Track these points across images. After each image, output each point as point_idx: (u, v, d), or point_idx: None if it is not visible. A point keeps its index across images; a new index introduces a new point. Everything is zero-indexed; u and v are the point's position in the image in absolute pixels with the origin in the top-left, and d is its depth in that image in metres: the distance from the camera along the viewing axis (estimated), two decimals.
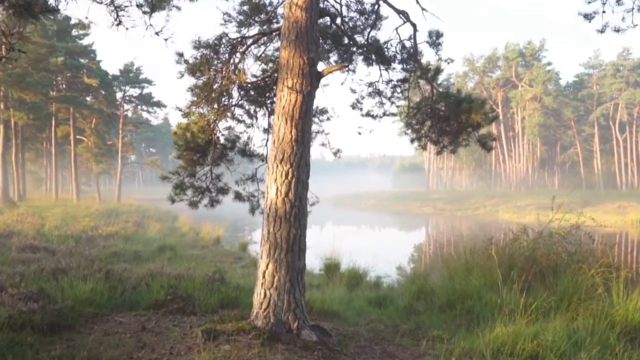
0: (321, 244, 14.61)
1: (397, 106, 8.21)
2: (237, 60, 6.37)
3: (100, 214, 27.15)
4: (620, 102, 67.78)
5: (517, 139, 77.34)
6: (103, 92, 40.30)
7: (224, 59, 6.29)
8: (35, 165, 67.52)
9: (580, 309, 6.78)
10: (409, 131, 8.14)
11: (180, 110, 6.55)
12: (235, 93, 7.14)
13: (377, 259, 16.49)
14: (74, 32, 38.55)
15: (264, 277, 5.32)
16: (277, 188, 5.31)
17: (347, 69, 8.70)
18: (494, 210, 51.95)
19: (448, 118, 7.27)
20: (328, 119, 8.12)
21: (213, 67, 6.12)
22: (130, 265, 11.56)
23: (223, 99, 6.92)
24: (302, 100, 5.39)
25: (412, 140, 8.33)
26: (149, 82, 46.83)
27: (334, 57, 8.79)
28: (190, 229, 24.72)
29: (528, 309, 6.60)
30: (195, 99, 6.43)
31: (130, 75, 44.91)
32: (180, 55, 6.22)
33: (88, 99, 42.10)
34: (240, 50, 6.47)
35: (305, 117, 5.41)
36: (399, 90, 8.01)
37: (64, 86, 40.98)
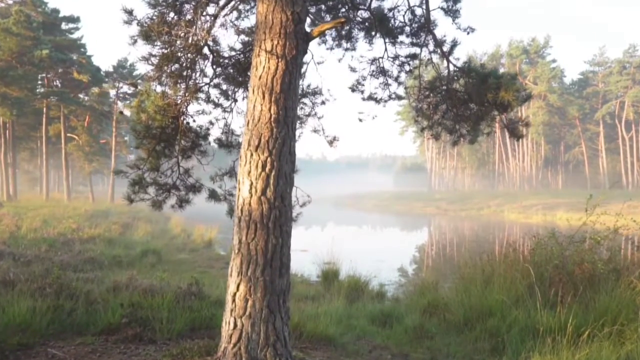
0: (320, 246, 13.32)
1: (405, 88, 6.89)
2: (207, 25, 5.08)
3: (88, 215, 25.87)
4: (626, 100, 66.48)
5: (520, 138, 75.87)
6: (95, 89, 38.89)
7: (187, 21, 4.98)
8: (30, 164, 66.49)
9: (629, 332, 5.51)
10: (419, 118, 6.84)
11: (135, 86, 5.27)
12: (209, 70, 5.86)
13: (380, 264, 15.24)
14: (64, 26, 37.14)
15: (234, 301, 4.03)
16: (252, 184, 4.01)
17: (346, 46, 7.42)
18: (498, 211, 50.66)
19: (467, 100, 5.98)
20: (323, 102, 6.81)
21: (174, 31, 4.82)
22: (104, 273, 10.31)
23: (194, 75, 5.62)
24: (284, 68, 4.09)
25: (422, 129, 7.03)
26: (144, 78, 45.26)
27: (331, 34, 7.51)
28: (182, 231, 23.43)
29: (567, 331, 5.29)
30: (152, 71, 5.14)
31: (124, 72, 43.46)
32: (129, 12, 4.89)
33: (81, 95, 40.74)
34: (212, 13, 5.18)
35: (288, 91, 4.11)
36: (407, 68, 6.70)
37: (58, 82, 39.71)
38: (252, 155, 4.03)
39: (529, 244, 10.12)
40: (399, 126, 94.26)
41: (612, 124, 70.28)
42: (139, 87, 5.30)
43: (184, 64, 5.34)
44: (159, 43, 4.92)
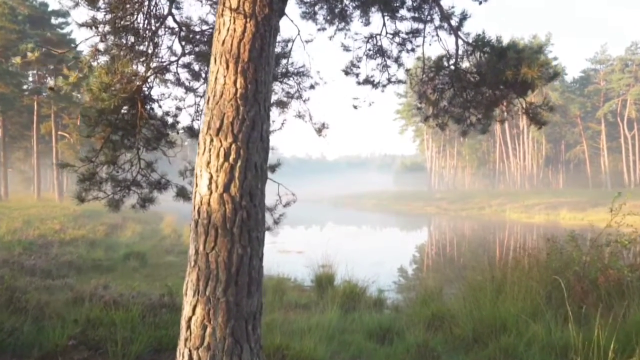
0: (317, 247, 12.43)
1: (407, 70, 6.01)
2: None
3: (76, 215, 24.92)
4: (628, 98, 65.61)
5: (521, 137, 75.10)
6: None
7: None
8: (25, 164, 65.80)
9: None
10: (423, 105, 5.96)
11: (78, 59, 4.40)
12: (177, 46, 4.97)
13: (379, 266, 14.34)
14: (53, 20, 36.09)
15: (189, 328, 3.15)
16: (211, 177, 3.13)
17: (339, 26, 6.54)
18: (500, 210, 49.81)
19: (480, 83, 5.11)
20: (312, 86, 5.93)
21: None
22: (78, 279, 9.48)
23: (158, 51, 4.74)
24: (254, 31, 3.21)
25: (426, 118, 6.15)
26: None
27: (321, 12, 6.64)
28: (173, 231, 22.56)
29: (595, 351, 4.42)
30: (99, 41, 4.27)
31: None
32: None
33: (74, 93, 39.73)
34: None
35: (260, 59, 3.23)
36: (409, 47, 5.82)
37: (50, 79, 38.69)
38: (212, 141, 3.15)
39: (536, 245, 9.27)
40: (398, 125, 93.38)
41: (614, 123, 69.39)
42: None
43: (144, 37, 4.45)
44: (104, 6, 4.06)
